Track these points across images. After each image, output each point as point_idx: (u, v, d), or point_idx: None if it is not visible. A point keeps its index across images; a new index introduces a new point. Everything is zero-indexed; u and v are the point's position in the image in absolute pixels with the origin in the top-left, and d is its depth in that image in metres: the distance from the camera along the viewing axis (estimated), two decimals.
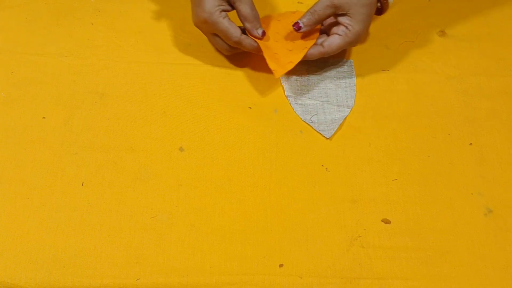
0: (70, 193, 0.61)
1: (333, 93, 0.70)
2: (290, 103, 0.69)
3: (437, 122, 0.68)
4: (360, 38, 0.66)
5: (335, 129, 0.67)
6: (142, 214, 0.60)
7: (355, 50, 0.73)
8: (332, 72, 0.71)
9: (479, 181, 0.63)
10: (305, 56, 0.67)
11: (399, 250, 0.59)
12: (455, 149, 0.66)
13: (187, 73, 0.71)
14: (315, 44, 0.67)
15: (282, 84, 0.70)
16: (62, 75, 0.70)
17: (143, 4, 0.77)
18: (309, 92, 0.70)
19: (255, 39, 0.67)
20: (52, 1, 0.77)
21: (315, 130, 0.67)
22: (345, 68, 0.72)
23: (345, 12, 0.64)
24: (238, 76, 0.71)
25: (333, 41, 0.65)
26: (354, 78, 0.71)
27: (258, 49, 0.67)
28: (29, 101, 0.68)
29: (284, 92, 0.70)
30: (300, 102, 0.69)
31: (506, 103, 0.69)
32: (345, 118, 0.68)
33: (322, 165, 0.64)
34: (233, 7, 0.66)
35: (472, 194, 0.63)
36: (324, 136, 0.66)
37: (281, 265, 0.58)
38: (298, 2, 0.78)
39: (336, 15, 0.66)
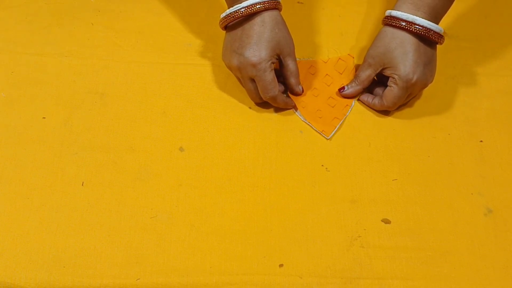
0: (70, 193, 0.61)
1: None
2: None
3: (437, 122, 0.68)
4: (413, 79, 0.63)
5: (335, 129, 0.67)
6: (142, 214, 0.60)
7: (355, 51, 0.73)
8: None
9: (479, 181, 0.63)
10: (368, 105, 0.68)
11: (399, 250, 0.59)
12: (455, 149, 0.66)
13: (187, 73, 0.71)
14: (375, 95, 0.68)
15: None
16: (62, 75, 0.70)
17: (143, 4, 0.77)
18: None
19: (292, 96, 0.68)
20: (52, 1, 0.77)
21: (315, 130, 0.67)
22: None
23: (386, 66, 0.65)
24: None
25: (386, 94, 0.65)
26: None
27: (290, 106, 0.68)
28: (29, 101, 0.68)
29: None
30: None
31: (506, 103, 0.69)
32: (345, 118, 0.68)
33: (322, 165, 0.64)
34: (280, 61, 0.66)
35: (472, 194, 0.63)
36: (324, 136, 0.66)
37: (281, 265, 0.58)
38: (298, 2, 0.78)
39: (381, 72, 0.66)
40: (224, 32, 0.67)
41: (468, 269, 0.58)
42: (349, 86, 0.69)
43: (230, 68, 0.67)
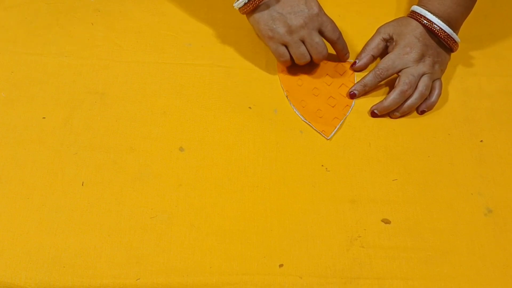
0: (70, 193, 0.61)
1: None
2: (290, 103, 0.69)
3: (437, 122, 0.68)
4: (415, 84, 0.66)
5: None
6: (142, 214, 0.60)
7: (356, 50, 0.73)
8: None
9: (479, 181, 0.63)
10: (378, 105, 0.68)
11: (399, 250, 0.59)
12: (455, 149, 0.66)
13: (187, 73, 0.71)
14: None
15: (282, 84, 0.70)
16: (62, 75, 0.70)
17: (143, 4, 0.77)
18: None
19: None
20: (52, 1, 0.77)
21: (315, 130, 0.67)
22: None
23: (393, 37, 0.69)
24: (238, 76, 0.71)
25: (389, 95, 0.67)
26: (355, 79, 0.71)
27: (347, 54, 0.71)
28: (29, 101, 0.68)
29: (284, 92, 0.70)
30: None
31: (506, 103, 0.69)
32: (345, 118, 0.68)
33: (322, 165, 0.64)
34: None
35: (472, 194, 0.63)
36: (324, 136, 0.66)
37: (281, 265, 0.58)
38: None
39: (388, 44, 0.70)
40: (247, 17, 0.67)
41: (468, 269, 0.58)
42: (359, 58, 0.70)
43: (285, 34, 0.65)
